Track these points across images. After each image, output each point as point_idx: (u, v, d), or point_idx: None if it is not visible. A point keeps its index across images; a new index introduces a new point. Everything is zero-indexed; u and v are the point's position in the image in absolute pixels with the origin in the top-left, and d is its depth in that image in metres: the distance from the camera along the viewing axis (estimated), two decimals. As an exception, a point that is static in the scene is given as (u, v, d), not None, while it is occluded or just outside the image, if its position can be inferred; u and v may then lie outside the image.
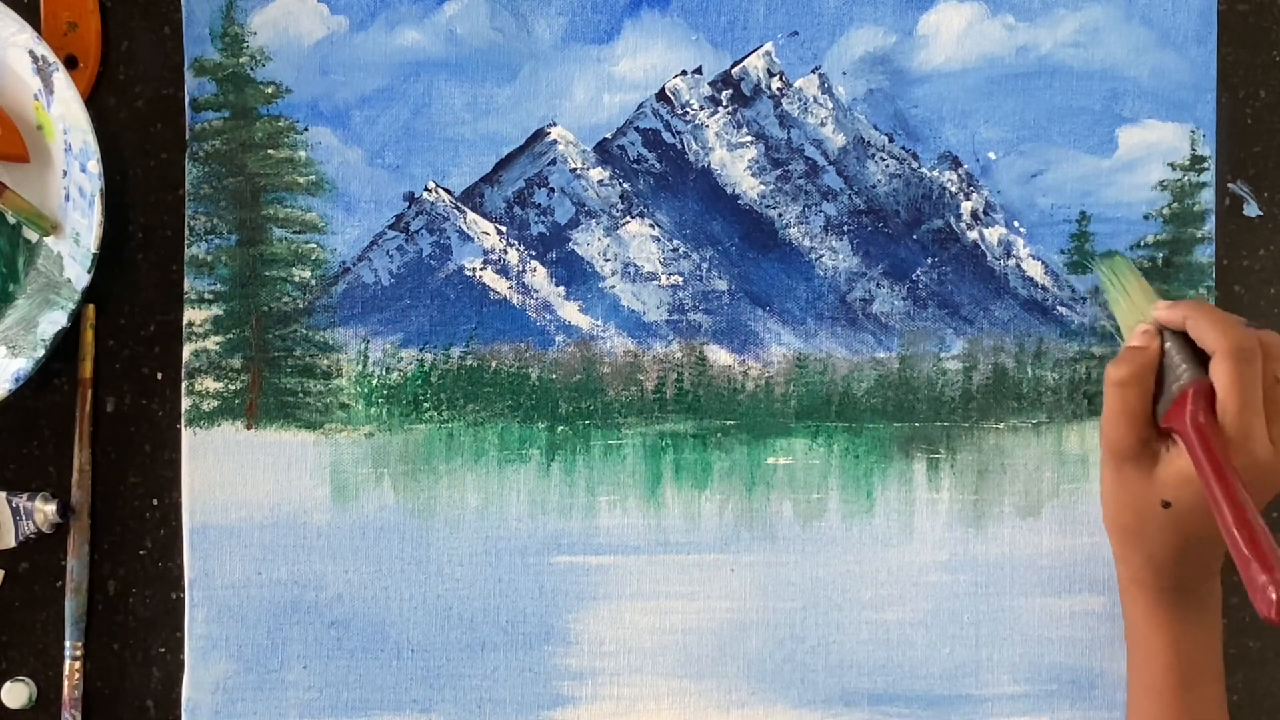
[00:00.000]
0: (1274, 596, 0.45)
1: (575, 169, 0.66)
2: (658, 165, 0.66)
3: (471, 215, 0.66)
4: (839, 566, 0.65)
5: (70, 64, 0.64)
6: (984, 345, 0.66)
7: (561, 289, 0.66)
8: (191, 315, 0.65)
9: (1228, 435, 0.52)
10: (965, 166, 0.66)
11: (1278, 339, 0.55)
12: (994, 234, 0.66)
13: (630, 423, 0.66)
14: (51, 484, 0.65)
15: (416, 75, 0.66)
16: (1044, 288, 0.66)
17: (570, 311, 0.66)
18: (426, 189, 0.66)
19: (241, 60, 0.65)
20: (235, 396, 0.65)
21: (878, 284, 0.66)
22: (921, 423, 0.66)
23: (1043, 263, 0.66)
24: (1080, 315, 0.66)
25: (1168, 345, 0.56)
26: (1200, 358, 0.55)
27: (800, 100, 0.66)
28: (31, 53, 0.62)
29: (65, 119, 0.62)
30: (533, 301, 0.66)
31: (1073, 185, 0.66)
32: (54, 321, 0.62)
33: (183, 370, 0.65)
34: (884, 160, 0.66)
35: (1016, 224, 0.66)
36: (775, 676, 0.64)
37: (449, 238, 0.66)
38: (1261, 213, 0.66)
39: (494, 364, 0.66)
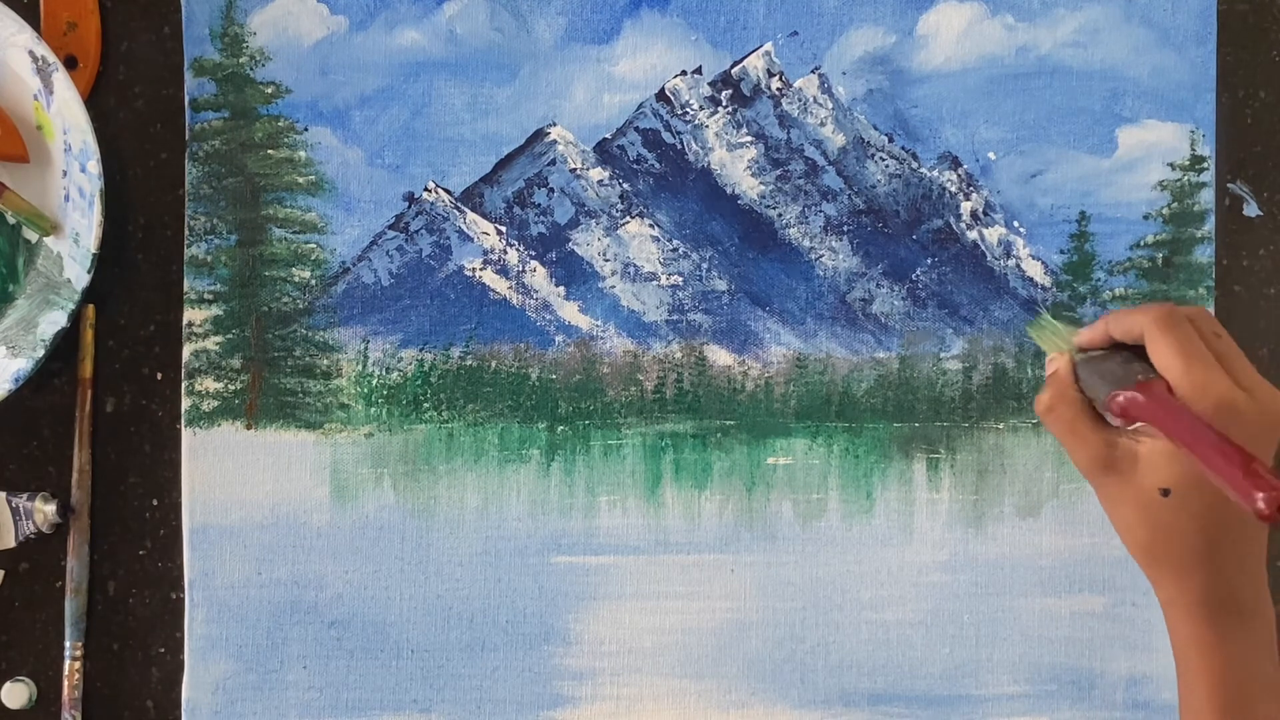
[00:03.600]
0: (1261, 501, 0.43)
1: (575, 169, 0.66)
2: (657, 165, 0.66)
3: (471, 215, 0.66)
4: (839, 566, 0.65)
5: (70, 64, 0.64)
6: (984, 345, 0.66)
7: (561, 289, 0.66)
8: (191, 315, 0.65)
9: (1183, 393, 0.50)
10: (965, 166, 0.66)
11: (1200, 308, 0.54)
12: (994, 234, 0.66)
13: (630, 423, 0.66)
14: (51, 484, 0.65)
15: (416, 75, 0.66)
16: (1044, 288, 0.66)
17: (570, 311, 0.66)
18: (426, 189, 0.66)
19: (241, 60, 0.65)
20: (235, 396, 0.65)
21: (878, 284, 0.66)
22: (921, 423, 0.66)
23: (1042, 263, 0.66)
24: (1081, 314, 0.66)
25: (1095, 367, 0.54)
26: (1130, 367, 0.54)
27: (800, 100, 0.66)
28: (31, 53, 0.62)
29: (65, 119, 0.62)
30: (532, 301, 0.66)
31: (1072, 185, 0.66)
32: (54, 321, 0.62)
33: (183, 370, 0.65)
34: (884, 160, 0.66)
35: (1016, 224, 0.66)
36: (775, 676, 0.64)
37: (449, 238, 0.66)
38: (1261, 213, 0.66)
39: (494, 364, 0.66)
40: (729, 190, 0.66)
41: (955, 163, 0.66)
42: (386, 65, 0.66)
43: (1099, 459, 0.54)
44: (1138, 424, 0.52)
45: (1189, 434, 0.48)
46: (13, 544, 0.63)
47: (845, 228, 0.66)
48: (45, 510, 0.63)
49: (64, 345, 0.63)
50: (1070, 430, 0.54)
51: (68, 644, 0.64)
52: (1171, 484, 0.52)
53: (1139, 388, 0.50)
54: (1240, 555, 0.53)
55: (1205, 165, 0.66)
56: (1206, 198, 0.66)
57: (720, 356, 0.66)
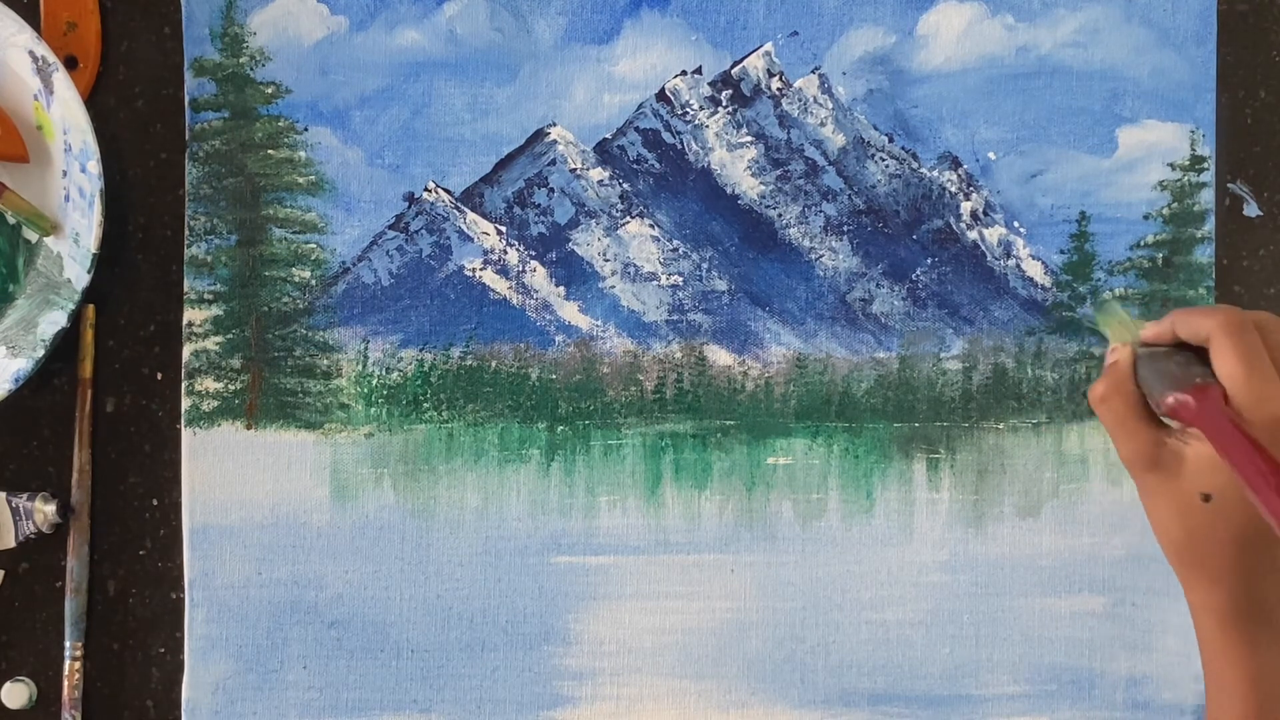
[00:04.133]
0: None
1: (575, 169, 0.66)
2: (658, 165, 0.66)
3: (471, 215, 0.66)
4: (839, 566, 0.65)
5: (70, 64, 0.64)
6: (984, 345, 0.66)
7: (561, 289, 0.66)
8: (191, 315, 0.65)
9: (1240, 403, 0.49)
10: (965, 166, 0.66)
11: (1271, 316, 0.53)
12: (994, 234, 0.66)
13: (630, 423, 0.66)
14: (51, 484, 0.65)
15: (416, 75, 0.66)
16: (1044, 288, 0.66)
17: (570, 311, 0.66)
18: (426, 189, 0.66)
19: (241, 60, 0.65)
20: (235, 396, 0.65)
21: (878, 284, 0.66)
22: (921, 423, 0.66)
23: (1043, 263, 0.66)
24: (1081, 314, 0.66)
25: (1155, 365, 0.55)
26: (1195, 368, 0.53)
27: (800, 100, 0.66)
28: (31, 53, 0.62)
29: (65, 119, 0.62)
30: (532, 301, 0.66)
31: (1073, 185, 0.66)
32: (54, 321, 0.62)
33: (183, 370, 0.65)
34: (884, 160, 0.66)
35: (1016, 224, 0.66)
36: (775, 676, 0.64)
37: (449, 238, 0.66)
38: (1261, 213, 0.66)
39: (494, 364, 0.66)
40: (729, 190, 0.66)
41: (955, 163, 0.66)
42: (386, 65, 0.66)
43: (1145, 455, 0.53)
44: (1189, 427, 0.52)
45: (1234, 447, 0.47)
46: (13, 544, 0.63)
47: (845, 228, 0.66)
48: (45, 510, 0.63)
49: (64, 345, 0.63)
50: (1120, 423, 0.54)
51: (68, 644, 0.64)
52: (1214, 490, 0.52)
53: (1193, 392, 0.50)
54: (1274, 567, 0.53)
55: (1205, 165, 0.66)
56: (1206, 198, 0.66)
57: (720, 356, 0.66)
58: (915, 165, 0.66)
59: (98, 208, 0.61)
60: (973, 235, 0.66)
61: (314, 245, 0.65)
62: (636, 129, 0.66)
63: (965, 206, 0.66)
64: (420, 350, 0.66)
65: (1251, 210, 0.66)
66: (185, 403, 0.65)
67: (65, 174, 0.63)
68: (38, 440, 0.65)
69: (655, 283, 0.66)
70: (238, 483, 0.64)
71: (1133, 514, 0.65)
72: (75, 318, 0.62)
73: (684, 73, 0.66)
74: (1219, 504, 0.52)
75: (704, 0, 0.66)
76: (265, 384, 0.65)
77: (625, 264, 0.66)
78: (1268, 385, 0.50)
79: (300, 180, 0.65)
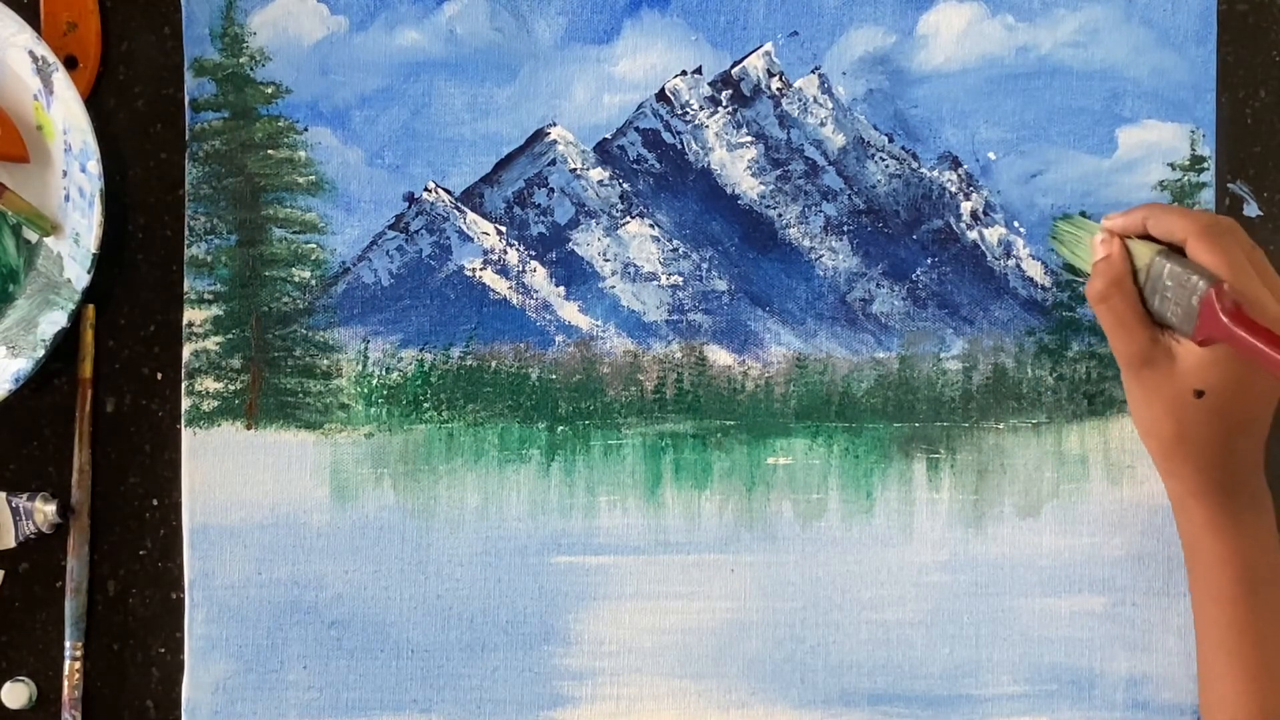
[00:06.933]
0: None
1: (575, 169, 0.66)
2: (658, 165, 0.66)
3: (471, 215, 0.66)
4: (839, 566, 0.65)
5: (70, 64, 0.64)
6: (984, 345, 0.66)
7: (561, 289, 0.66)
8: (191, 315, 0.65)
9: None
10: (965, 166, 0.66)
11: (1233, 221, 0.56)
12: (994, 234, 0.66)
13: (630, 423, 0.66)
14: (51, 484, 0.65)
15: (416, 75, 0.66)
16: (1044, 288, 0.66)
17: (570, 311, 0.66)
18: (426, 189, 0.66)
19: (241, 60, 0.65)
20: (235, 396, 0.65)
21: (878, 284, 0.66)
22: (921, 423, 0.66)
23: (1043, 263, 0.66)
24: (1081, 315, 0.66)
25: (1158, 271, 0.55)
26: (1185, 269, 0.54)
27: (800, 100, 0.66)
28: (31, 53, 0.62)
29: (65, 119, 0.62)
30: (532, 301, 0.66)
31: (1073, 185, 0.66)
32: (54, 321, 0.62)
33: (183, 370, 0.65)
34: (884, 160, 0.66)
35: (1016, 224, 0.66)
36: (775, 676, 0.64)
37: (449, 238, 0.66)
38: (1261, 213, 0.66)
39: (494, 364, 0.66)
40: (729, 190, 0.66)
41: (955, 163, 0.66)
42: (386, 65, 0.66)
43: (1142, 353, 0.56)
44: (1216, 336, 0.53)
45: (1266, 341, 0.49)
46: (13, 544, 0.63)
47: (845, 228, 0.66)
48: (45, 510, 0.63)
49: (64, 345, 0.63)
50: (1120, 322, 0.56)
51: (68, 644, 0.64)
52: (1207, 387, 0.54)
53: (1216, 295, 0.51)
54: (1252, 449, 0.56)
55: (1205, 165, 0.66)
56: (1206, 198, 0.66)
57: (720, 356, 0.66)
58: (915, 165, 0.66)
59: (98, 208, 0.61)
60: (973, 235, 0.66)
61: (314, 245, 0.65)
62: (636, 129, 0.66)
63: (965, 206, 0.66)
64: (420, 350, 0.66)
65: (1251, 210, 0.66)
66: (185, 403, 0.65)
67: (65, 174, 0.63)
68: (38, 440, 0.65)
69: (655, 283, 0.66)
70: (238, 483, 0.64)
71: (1133, 514, 0.65)
72: (75, 318, 0.62)
73: (684, 73, 0.66)
74: (1211, 398, 0.55)
75: (704, 0, 0.66)
76: (265, 384, 0.65)
77: (625, 264, 0.66)
78: (1256, 288, 0.53)
79: (300, 180, 0.65)
